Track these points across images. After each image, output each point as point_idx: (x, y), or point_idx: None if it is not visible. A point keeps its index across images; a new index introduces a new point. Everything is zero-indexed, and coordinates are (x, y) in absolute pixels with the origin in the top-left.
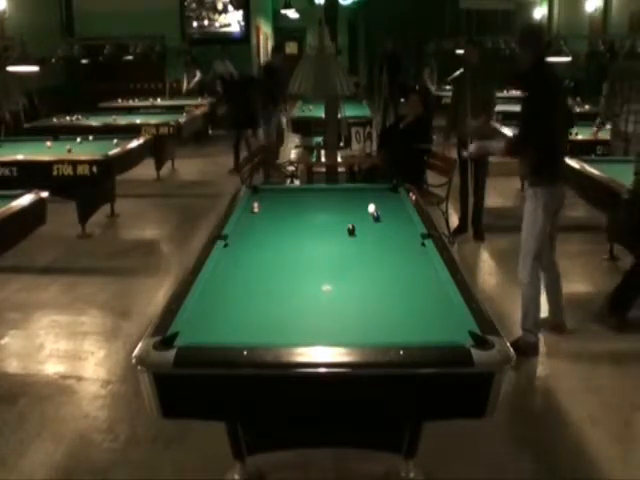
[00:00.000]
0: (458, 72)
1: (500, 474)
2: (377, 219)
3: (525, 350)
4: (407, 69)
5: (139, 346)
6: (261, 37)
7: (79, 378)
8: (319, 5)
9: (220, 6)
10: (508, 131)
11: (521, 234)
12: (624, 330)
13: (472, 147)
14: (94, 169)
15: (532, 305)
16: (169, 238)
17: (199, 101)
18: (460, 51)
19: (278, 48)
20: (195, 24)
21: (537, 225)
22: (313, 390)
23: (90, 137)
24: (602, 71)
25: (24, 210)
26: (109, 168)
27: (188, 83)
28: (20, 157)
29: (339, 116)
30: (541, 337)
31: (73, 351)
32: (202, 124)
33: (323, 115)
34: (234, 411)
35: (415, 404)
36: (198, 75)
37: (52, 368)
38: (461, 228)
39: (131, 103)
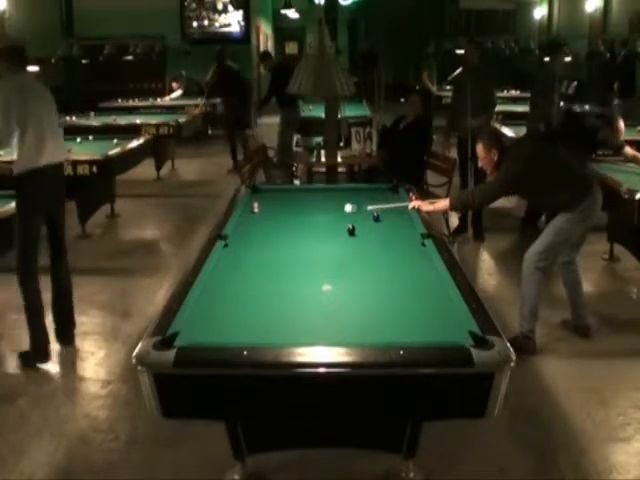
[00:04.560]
0: (456, 72)
1: (500, 474)
2: (377, 219)
3: (523, 347)
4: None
5: (139, 346)
6: (261, 37)
7: (79, 378)
8: (319, 5)
9: (220, 6)
10: (508, 131)
11: (545, 227)
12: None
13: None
14: (94, 169)
15: (530, 295)
16: (169, 238)
17: (199, 101)
18: (460, 51)
19: (267, 55)
20: (195, 24)
21: (561, 232)
22: (313, 390)
23: (90, 137)
24: (603, 71)
25: None
26: (109, 168)
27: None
28: None
29: (339, 116)
30: (539, 335)
31: (73, 351)
32: (202, 124)
33: (323, 115)
34: (234, 411)
35: (415, 404)
36: (179, 92)
37: (52, 368)
38: (461, 228)
39: (131, 103)
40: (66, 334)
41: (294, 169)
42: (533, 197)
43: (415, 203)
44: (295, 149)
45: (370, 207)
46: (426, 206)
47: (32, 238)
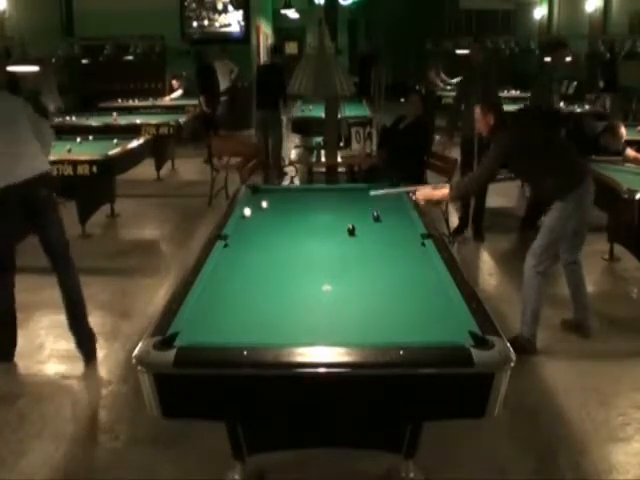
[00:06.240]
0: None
1: (500, 474)
2: (377, 219)
3: (523, 348)
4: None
5: (139, 346)
6: (261, 37)
7: (79, 378)
8: (319, 5)
9: (220, 6)
10: None
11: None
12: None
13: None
14: (94, 169)
15: (532, 300)
16: (169, 238)
17: (199, 101)
18: (461, 51)
19: (276, 49)
20: (195, 24)
21: (554, 228)
22: (313, 390)
23: (90, 137)
24: (603, 71)
25: None
26: (109, 168)
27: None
28: None
29: (339, 116)
30: (539, 335)
31: (73, 351)
32: (202, 124)
33: (323, 115)
34: (234, 411)
35: (415, 404)
36: (179, 92)
37: (52, 368)
38: (461, 228)
39: (131, 103)
40: (85, 349)
41: (285, 171)
42: (527, 174)
43: (419, 191)
44: (296, 150)
45: (373, 192)
46: (428, 193)
47: (2, 248)
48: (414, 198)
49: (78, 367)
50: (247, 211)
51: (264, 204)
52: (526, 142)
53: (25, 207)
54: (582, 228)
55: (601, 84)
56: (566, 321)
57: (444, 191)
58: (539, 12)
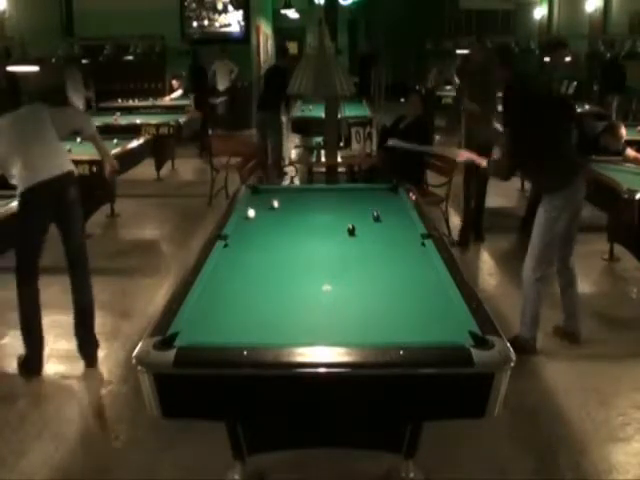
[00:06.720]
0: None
1: (500, 474)
2: (377, 219)
3: (522, 348)
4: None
5: (139, 346)
6: (261, 37)
7: (79, 378)
8: (319, 5)
9: (220, 6)
10: None
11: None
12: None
13: (464, 154)
14: (94, 169)
15: (531, 304)
16: (169, 238)
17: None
18: (461, 51)
19: (283, 51)
20: (195, 24)
21: (546, 230)
22: (313, 390)
23: None
24: (603, 71)
25: None
26: None
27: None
28: None
29: (339, 116)
30: (539, 335)
31: (73, 351)
32: (202, 124)
33: (323, 115)
34: (234, 411)
35: (415, 404)
36: (179, 92)
37: (52, 368)
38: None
39: (131, 103)
40: (87, 354)
41: (285, 171)
42: (525, 165)
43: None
44: (296, 150)
45: (391, 142)
46: (473, 156)
47: (28, 249)
48: (458, 156)
49: (78, 367)
50: (251, 212)
51: (275, 203)
52: (526, 145)
53: (55, 205)
54: (572, 229)
55: (595, 87)
56: (558, 328)
57: (484, 162)
58: (539, 12)
